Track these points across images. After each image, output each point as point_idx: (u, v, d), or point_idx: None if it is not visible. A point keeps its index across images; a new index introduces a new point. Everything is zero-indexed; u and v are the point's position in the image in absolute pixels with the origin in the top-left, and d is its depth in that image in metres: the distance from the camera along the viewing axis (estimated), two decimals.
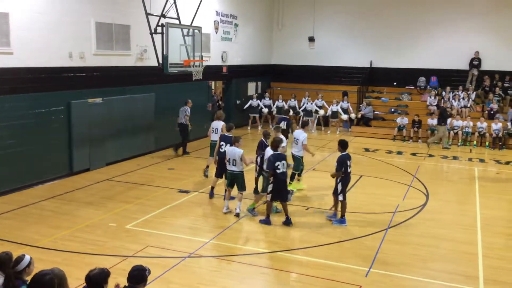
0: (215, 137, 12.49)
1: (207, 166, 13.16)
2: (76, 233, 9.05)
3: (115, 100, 14.29)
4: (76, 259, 7.89)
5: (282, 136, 10.80)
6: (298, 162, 11.89)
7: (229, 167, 10.22)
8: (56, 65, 12.40)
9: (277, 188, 9.62)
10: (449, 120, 19.26)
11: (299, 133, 11.86)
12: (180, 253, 8.23)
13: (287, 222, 9.70)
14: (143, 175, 13.40)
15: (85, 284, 4.55)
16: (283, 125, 13.55)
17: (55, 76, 12.42)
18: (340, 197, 9.77)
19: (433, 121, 19.78)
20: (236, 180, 10.25)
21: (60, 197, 11.24)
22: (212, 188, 11.44)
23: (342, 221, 9.80)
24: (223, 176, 11.12)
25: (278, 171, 9.51)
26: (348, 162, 9.64)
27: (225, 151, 10.67)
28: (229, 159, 10.19)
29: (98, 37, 13.51)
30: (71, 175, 13.03)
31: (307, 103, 21.96)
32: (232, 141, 10.34)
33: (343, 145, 9.81)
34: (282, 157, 9.65)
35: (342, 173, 9.63)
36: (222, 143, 11.03)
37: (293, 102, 22.49)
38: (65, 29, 12.54)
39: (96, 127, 13.61)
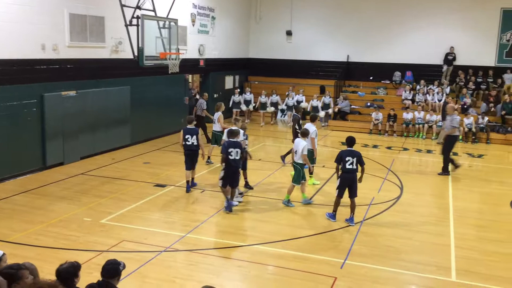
0: (215, 127, 13.95)
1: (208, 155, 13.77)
2: (50, 227, 8.91)
3: (90, 93, 14.07)
4: (49, 254, 7.76)
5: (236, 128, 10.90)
6: (311, 155, 11.90)
7: None
8: (28, 57, 12.12)
9: (228, 174, 9.92)
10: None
11: (308, 127, 11.98)
12: (156, 247, 8.18)
13: (229, 208, 9.97)
14: (118, 169, 13.25)
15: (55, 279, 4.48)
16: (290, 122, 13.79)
17: (27, 68, 12.15)
18: (336, 193, 9.76)
19: (408, 115, 20.07)
20: None
21: (33, 192, 11.04)
22: (187, 182, 11.40)
23: (332, 216, 9.81)
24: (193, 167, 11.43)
25: (230, 157, 9.81)
26: (348, 159, 9.44)
27: (192, 143, 11.15)
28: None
29: (71, 29, 13.24)
30: (45, 169, 12.80)
31: (288, 98, 21.98)
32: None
33: (347, 141, 9.83)
34: (238, 145, 9.93)
35: (340, 169, 9.57)
36: (187, 135, 11.16)
37: (275, 98, 22.46)
38: (37, 20, 12.25)
39: (70, 120, 13.38)
